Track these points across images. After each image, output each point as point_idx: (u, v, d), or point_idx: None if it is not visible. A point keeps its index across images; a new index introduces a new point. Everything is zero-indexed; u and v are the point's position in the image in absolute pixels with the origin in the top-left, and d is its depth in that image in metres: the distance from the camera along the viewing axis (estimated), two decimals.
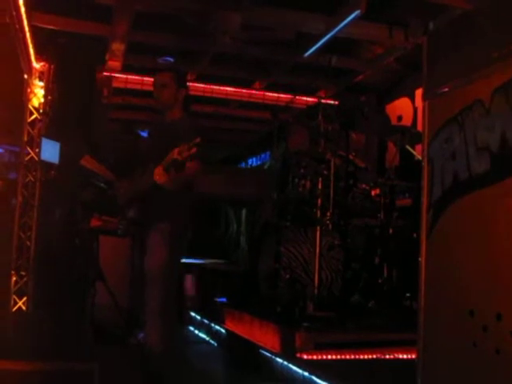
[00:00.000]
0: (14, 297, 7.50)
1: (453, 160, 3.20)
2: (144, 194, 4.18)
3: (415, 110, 7.96)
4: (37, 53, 7.31)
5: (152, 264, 4.16)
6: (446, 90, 3.31)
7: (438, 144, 3.33)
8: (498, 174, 2.92)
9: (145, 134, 6.45)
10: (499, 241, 2.91)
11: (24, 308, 7.52)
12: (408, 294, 5.59)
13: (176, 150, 3.83)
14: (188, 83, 4.64)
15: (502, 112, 2.90)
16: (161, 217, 4.18)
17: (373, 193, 5.75)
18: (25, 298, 7.54)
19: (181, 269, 4.53)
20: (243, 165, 13.32)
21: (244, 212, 11.70)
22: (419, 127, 7.47)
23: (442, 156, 3.27)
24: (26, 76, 7.37)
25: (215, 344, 6.82)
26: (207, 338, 7.11)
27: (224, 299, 7.24)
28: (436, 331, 3.25)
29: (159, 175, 3.96)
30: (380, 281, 5.64)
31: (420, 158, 6.84)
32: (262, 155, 12.26)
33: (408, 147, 6.38)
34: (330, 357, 4.82)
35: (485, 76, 3.02)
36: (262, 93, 9.00)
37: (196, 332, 7.53)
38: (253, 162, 12.87)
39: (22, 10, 6.00)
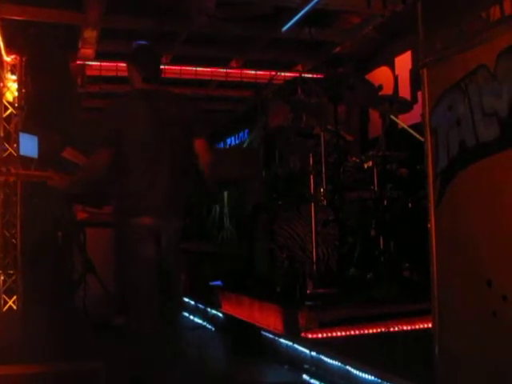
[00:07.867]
0: (4, 296, 7.36)
1: (458, 128, 3.11)
2: None
3: (396, 78, 7.89)
4: (7, 46, 7.10)
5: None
6: (445, 56, 3.22)
7: (440, 112, 3.24)
8: (507, 140, 2.84)
9: None
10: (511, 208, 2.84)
11: (14, 307, 7.38)
12: (407, 265, 5.55)
13: None
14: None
15: (508, 76, 2.81)
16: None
17: (365, 165, 5.67)
18: (15, 297, 7.41)
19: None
20: (222, 145, 13.17)
21: (226, 193, 11.56)
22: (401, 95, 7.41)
23: (446, 124, 3.19)
24: None
25: (213, 329, 6.74)
26: (203, 323, 7.03)
27: (218, 282, 7.15)
28: (451, 302, 3.19)
29: None
30: (376, 253, 5.58)
31: (404, 126, 6.86)
32: (241, 134, 12.14)
33: (392, 116, 6.31)
34: (335, 334, 4.76)
35: (487, 40, 2.93)
36: (239, 71, 8.88)
37: (191, 317, 7.44)
38: (231, 141, 12.74)
39: None
